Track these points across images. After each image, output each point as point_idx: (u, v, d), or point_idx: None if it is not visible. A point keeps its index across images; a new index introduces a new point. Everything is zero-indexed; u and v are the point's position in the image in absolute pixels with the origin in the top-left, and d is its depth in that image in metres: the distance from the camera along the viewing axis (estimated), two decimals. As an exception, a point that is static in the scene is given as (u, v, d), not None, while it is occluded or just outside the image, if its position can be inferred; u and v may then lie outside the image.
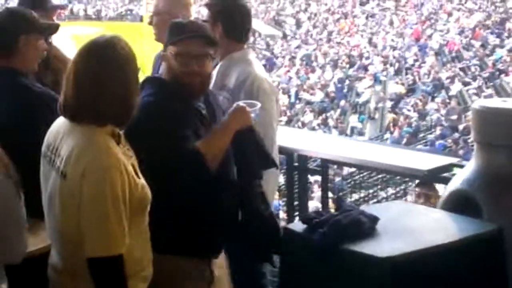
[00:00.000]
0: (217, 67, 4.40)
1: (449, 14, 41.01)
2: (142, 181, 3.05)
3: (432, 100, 27.91)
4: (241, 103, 3.66)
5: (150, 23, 4.85)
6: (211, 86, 3.87)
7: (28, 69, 4.00)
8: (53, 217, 3.05)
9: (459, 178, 4.02)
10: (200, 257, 3.59)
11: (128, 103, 3.04)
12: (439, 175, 4.85)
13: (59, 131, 3.08)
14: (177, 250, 3.50)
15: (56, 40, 4.72)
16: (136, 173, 3.04)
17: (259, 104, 3.72)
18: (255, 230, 3.69)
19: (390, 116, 27.72)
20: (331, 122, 28.23)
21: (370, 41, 39.66)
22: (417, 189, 5.84)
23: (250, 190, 3.67)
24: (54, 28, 4.29)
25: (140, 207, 3.03)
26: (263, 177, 3.78)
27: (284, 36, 47.65)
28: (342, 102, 30.48)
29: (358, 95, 31.44)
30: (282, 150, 4.47)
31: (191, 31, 3.54)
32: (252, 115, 3.62)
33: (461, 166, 4.56)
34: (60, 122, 3.12)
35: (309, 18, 49.97)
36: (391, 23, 43.10)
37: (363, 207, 3.58)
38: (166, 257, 3.38)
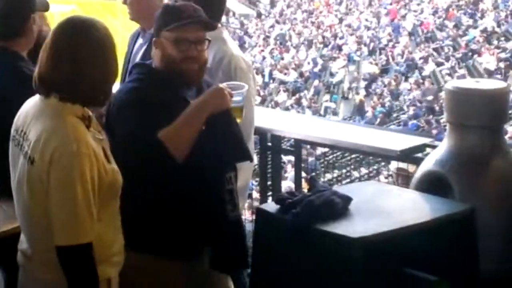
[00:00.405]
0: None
1: (423, -6, 41.08)
2: (112, 165, 2.99)
3: (406, 80, 28.01)
4: (225, 84, 3.44)
5: (125, 2, 4.79)
6: None
7: (29, 47, 3.96)
8: (22, 203, 2.99)
9: (432, 158, 4.04)
10: (177, 255, 3.40)
11: (103, 86, 2.97)
12: (412, 155, 4.87)
13: (27, 115, 3.02)
14: (152, 247, 3.36)
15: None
16: (107, 158, 2.97)
17: (246, 86, 3.56)
18: (215, 236, 3.40)
19: (357, 98, 27.73)
20: (304, 102, 28.23)
21: (341, 21, 39.57)
22: (396, 170, 5.85)
23: (219, 183, 3.37)
24: (47, 6, 4.23)
25: (110, 192, 2.97)
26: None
27: (259, 15, 47.48)
28: (316, 82, 30.48)
29: (332, 75, 31.45)
30: (255, 130, 4.45)
31: (189, 17, 3.39)
32: (239, 97, 3.43)
33: (434, 147, 4.57)
34: (30, 105, 3.05)
35: (283, -2, 49.79)
36: (366, 3, 43.04)
37: (336, 187, 3.58)
38: (141, 254, 3.30)
